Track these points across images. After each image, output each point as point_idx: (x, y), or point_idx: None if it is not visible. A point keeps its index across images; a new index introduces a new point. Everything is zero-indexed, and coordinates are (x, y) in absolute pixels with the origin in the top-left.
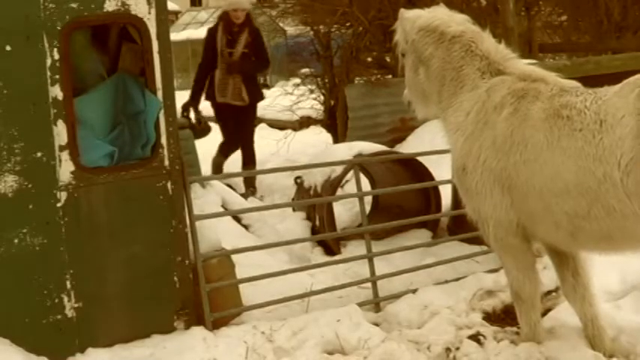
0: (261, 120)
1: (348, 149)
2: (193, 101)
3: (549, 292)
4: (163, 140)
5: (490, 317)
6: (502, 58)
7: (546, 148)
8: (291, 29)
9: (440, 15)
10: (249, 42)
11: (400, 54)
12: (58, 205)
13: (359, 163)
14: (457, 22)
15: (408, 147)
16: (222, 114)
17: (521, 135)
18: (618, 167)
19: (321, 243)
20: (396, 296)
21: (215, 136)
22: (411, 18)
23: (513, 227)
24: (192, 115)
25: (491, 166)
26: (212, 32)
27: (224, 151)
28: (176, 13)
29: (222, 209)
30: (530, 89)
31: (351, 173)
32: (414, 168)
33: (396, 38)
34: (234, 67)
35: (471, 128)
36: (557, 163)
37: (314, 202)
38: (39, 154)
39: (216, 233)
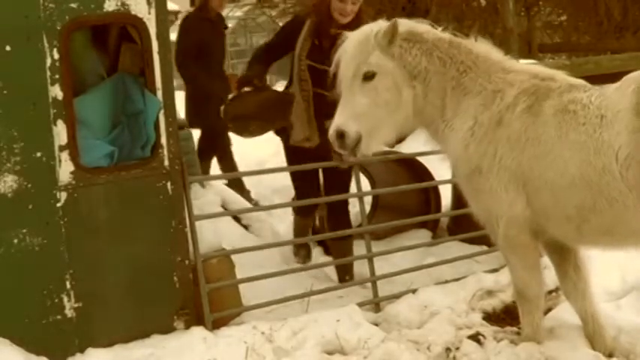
0: None
1: None
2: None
3: (549, 292)
4: (163, 140)
5: (490, 317)
6: (502, 60)
7: (556, 143)
8: None
9: (417, 24)
10: None
11: (362, 77)
12: (58, 205)
13: (359, 163)
14: (437, 30)
15: (408, 147)
16: (300, 161)
17: (534, 131)
18: (617, 161)
19: (321, 243)
20: (396, 296)
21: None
22: (384, 31)
23: (527, 224)
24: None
25: (506, 164)
26: (295, 26)
27: (304, 212)
28: (176, 13)
29: (222, 209)
30: (541, 87)
31: None
32: (414, 168)
33: (354, 59)
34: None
35: (483, 130)
36: (566, 157)
37: (314, 202)
38: (39, 154)
39: (216, 233)
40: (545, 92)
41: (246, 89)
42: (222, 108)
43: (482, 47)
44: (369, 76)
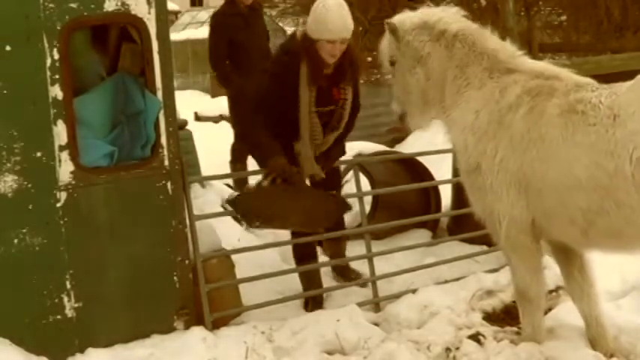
0: None
1: (348, 149)
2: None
3: (549, 292)
4: (163, 140)
5: (490, 317)
6: (510, 56)
7: (561, 144)
8: (291, 29)
9: (435, 12)
10: (354, 96)
11: (389, 63)
12: (58, 205)
13: (359, 163)
14: (455, 18)
15: (408, 147)
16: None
17: (537, 132)
18: (630, 162)
19: (321, 243)
20: (396, 296)
21: None
22: (401, 20)
23: (528, 225)
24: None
25: (508, 165)
26: (292, 63)
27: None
28: (176, 13)
29: (222, 209)
30: (545, 86)
31: (351, 173)
32: (414, 168)
33: (384, 49)
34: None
35: (484, 128)
36: (572, 158)
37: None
38: (39, 154)
39: (216, 233)
40: (549, 92)
41: (266, 182)
42: (236, 199)
43: (492, 43)
44: (392, 63)
